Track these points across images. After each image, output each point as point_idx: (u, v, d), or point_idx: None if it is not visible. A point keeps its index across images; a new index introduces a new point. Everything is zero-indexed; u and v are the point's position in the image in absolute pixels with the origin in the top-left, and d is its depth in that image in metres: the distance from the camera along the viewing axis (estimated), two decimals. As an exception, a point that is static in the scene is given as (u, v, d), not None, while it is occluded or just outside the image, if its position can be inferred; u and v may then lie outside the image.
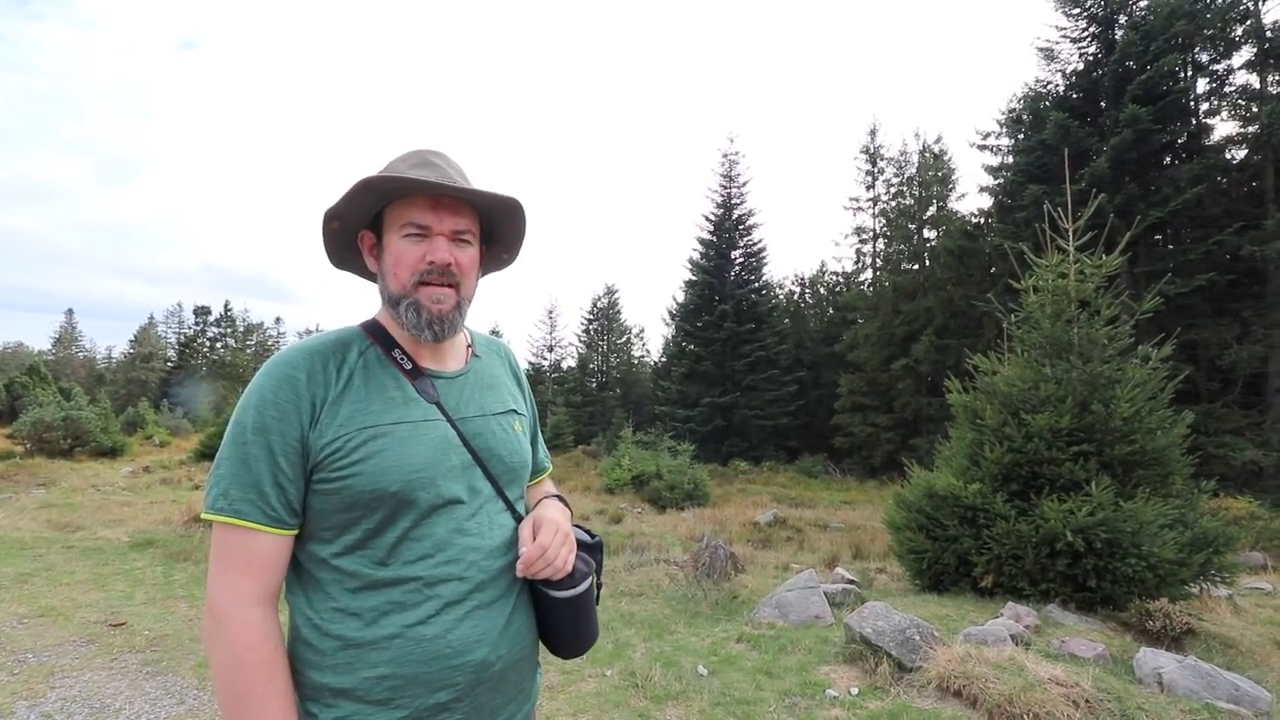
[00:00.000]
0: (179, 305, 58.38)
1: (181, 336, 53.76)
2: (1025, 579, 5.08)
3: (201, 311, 52.64)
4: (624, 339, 43.33)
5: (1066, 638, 4.10)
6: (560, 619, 1.08)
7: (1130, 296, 6.07)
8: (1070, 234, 6.03)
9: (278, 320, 63.14)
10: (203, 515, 0.94)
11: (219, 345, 52.81)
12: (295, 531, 0.95)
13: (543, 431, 1.26)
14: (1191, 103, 18.61)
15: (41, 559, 6.46)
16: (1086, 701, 3.14)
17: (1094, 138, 18.79)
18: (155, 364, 54.23)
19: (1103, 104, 19.96)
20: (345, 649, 0.93)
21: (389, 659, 0.92)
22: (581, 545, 1.15)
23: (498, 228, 1.13)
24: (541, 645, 1.15)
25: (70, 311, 69.84)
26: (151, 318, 61.03)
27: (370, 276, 1.13)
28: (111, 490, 11.71)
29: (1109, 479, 5.06)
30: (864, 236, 32.05)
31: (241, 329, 55.07)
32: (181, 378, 44.50)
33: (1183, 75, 18.35)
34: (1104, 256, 5.85)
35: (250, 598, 0.90)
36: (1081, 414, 5.34)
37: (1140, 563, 4.73)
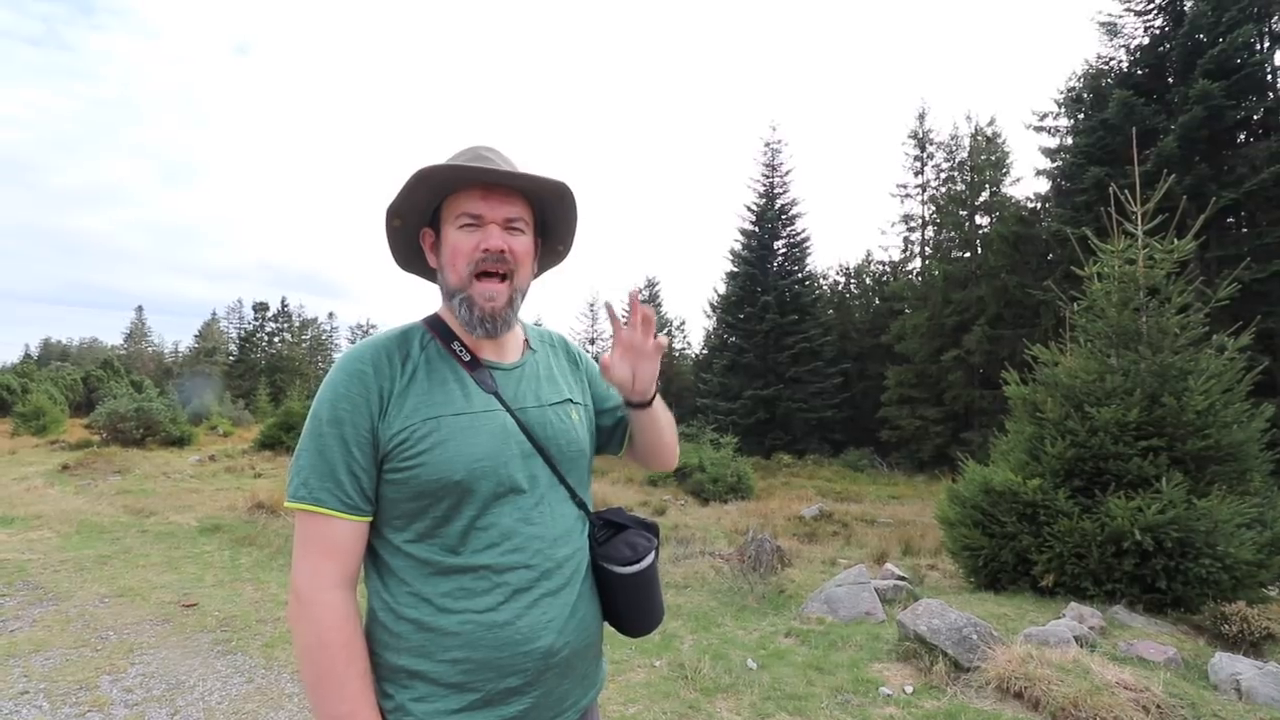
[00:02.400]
0: (239, 302, 61.08)
1: (242, 331, 56.08)
2: (1089, 579, 4.88)
3: (260, 308, 54.76)
4: (664, 332, 43.18)
5: (1134, 640, 3.93)
6: (626, 596, 1.11)
7: (1202, 283, 5.73)
8: (1139, 217, 5.73)
9: (331, 315, 65.48)
10: (286, 504, 0.99)
11: (276, 340, 54.87)
12: (370, 518, 0.99)
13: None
14: (1269, 76, 17.44)
15: (119, 542, 6.86)
16: (1157, 707, 3.01)
17: (1161, 116, 17.80)
18: (218, 358, 56.84)
19: (1170, 80, 18.89)
20: (420, 632, 0.96)
21: (462, 643, 0.95)
22: (641, 524, 1.17)
23: (550, 215, 1.15)
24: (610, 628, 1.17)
25: (140, 308, 74.06)
26: (214, 314, 63.90)
27: (433, 277, 1.15)
28: (180, 478, 12.34)
29: (1181, 475, 4.81)
30: (912, 224, 31.26)
31: (297, 324, 57.11)
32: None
33: (1259, 47, 17.21)
34: (1175, 241, 5.54)
35: (331, 581, 0.94)
36: (1151, 407, 5.09)
37: (1215, 563, 4.50)
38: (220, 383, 41.90)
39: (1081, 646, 3.68)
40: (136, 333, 73.29)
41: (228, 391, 38.97)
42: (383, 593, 1.00)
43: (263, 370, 49.54)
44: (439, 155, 1.10)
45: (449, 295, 1.06)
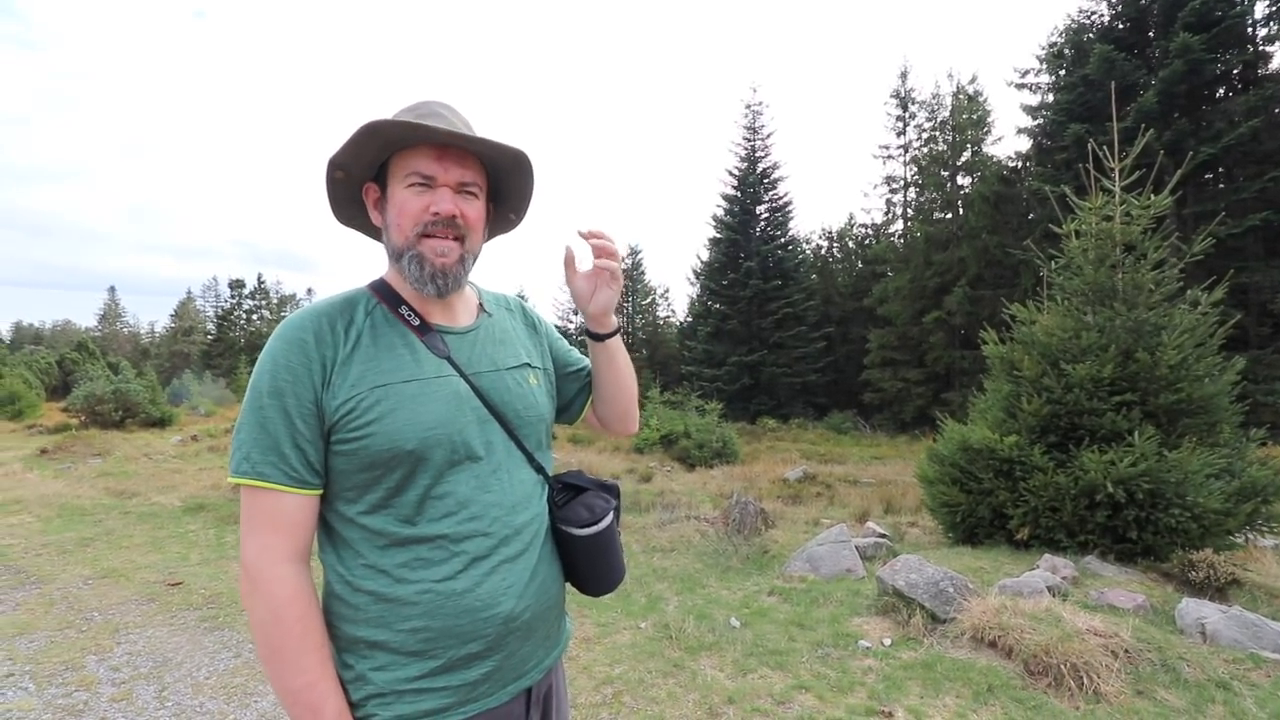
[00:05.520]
0: (214, 279, 59.55)
1: (219, 310, 55.05)
2: (1063, 531, 5.01)
3: (236, 285, 53.68)
4: (649, 300, 43.16)
5: (1105, 589, 4.05)
6: (586, 556, 1.10)
7: (1179, 239, 5.78)
8: (1116, 174, 5.74)
9: (309, 291, 63.97)
10: (228, 479, 0.96)
11: (254, 317, 53.97)
12: (319, 491, 0.96)
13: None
14: (1249, 28, 17.38)
15: (101, 524, 6.81)
16: (1125, 651, 3.12)
17: (1141, 71, 17.74)
18: (196, 337, 55.90)
19: (1151, 34, 18.78)
20: (378, 603, 0.95)
21: (421, 612, 0.94)
22: (600, 486, 1.17)
23: (504, 183, 1.11)
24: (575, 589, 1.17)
25: (112, 289, 72.54)
26: (189, 292, 62.56)
27: (375, 234, 1.12)
28: (162, 458, 12.21)
29: (1153, 429, 4.91)
30: (894, 186, 31.16)
31: (275, 300, 56.13)
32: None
33: (1240, -1, 17.13)
34: (1152, 197, 5.56)
35: (281, 556, 0.92)
36: (1125, 363, 5.17)
37: (1184, 513, 4.62)
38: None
39: (1054, 596, 3.79)
40: (110, 314, 71.77)
41: (208, 370, 38.40)
42: (338, 565, 0.98)
43: (242, 348, 48.74)
44: (397, 107, 1.04)
45: (396, 255, 1.01)
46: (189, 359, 49.72)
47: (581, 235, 1.11)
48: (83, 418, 17.69)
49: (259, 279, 54.46)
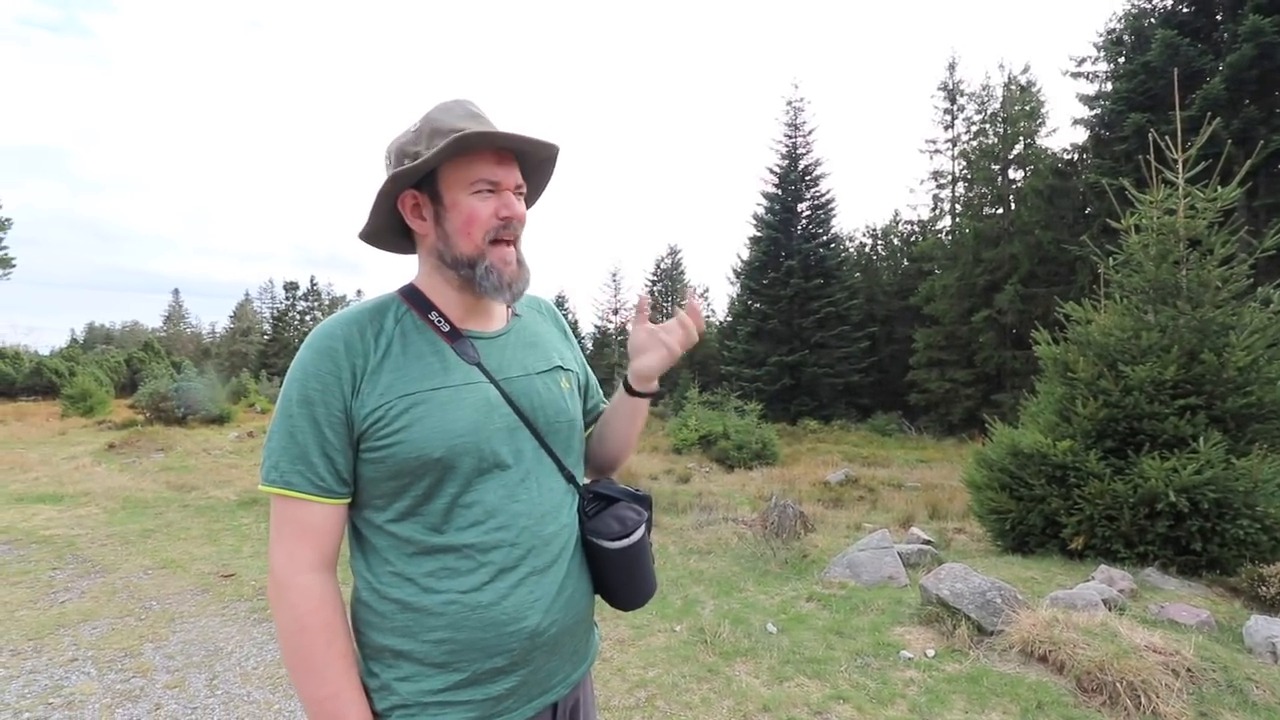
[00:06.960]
0: (270, 282, 62.05)
1: (274, 311, 57.14)
2: (1120, 541, 4.77)
3: (291, 287, 55.55)
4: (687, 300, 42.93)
5: (1166, 603, 3.84)
6: (616, 570, 1.08)
7: (1249, 233, 5.45)
8: (1179, 165, 5.44)
9: (359, 293, 65.85)
10: (259, 487, 0.97)
11: (308, 318, 55.81)
12: (347, 500, 0.96)
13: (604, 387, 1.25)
14: (1330, 7, 16.27)
15: (162, 516, 7.14)
16: (1188, 670, 2.95)
17: (1207, 56, 16.80)
18: (253, 337, 58.15)
19: (1218, 17, 17.77)
20: (404, 612, 0.94)
21: (446, 624, 0.93)
22: (631, 497, 1.14)
23: (529, 179, 1.10)
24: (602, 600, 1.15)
25: (176, 291, 76.06)
26: (247, 294, 65.25)
27: (398, 246, 1.10)
28: (220, 454, 12.74)
29: (1220, 434, 4.65)
30: (942, 181, 30.24)
31: (327, 302, 57.94)
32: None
33: (1319, -24, 16.04)
34: (1219, 189, 5.25)
35: (307, 564, 0.92)
36: (1189, 364, 4.90)
37: (1254, 524, 4.36)
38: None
39: (1110, 610, 3.61)
40: (175, 315, 75.33)
41: (264, 370, 39.88)
42: (366, 573, 0.98)
43: (296, 348, 50.28)
44: (428, 107, 1.03)
45: (464, 264, 1.00)
46: (247, 358, 51.74)
47: (690, 299, 1.12)
48: (148, 414, 18.62)
49: (311, 281, 56.30)
